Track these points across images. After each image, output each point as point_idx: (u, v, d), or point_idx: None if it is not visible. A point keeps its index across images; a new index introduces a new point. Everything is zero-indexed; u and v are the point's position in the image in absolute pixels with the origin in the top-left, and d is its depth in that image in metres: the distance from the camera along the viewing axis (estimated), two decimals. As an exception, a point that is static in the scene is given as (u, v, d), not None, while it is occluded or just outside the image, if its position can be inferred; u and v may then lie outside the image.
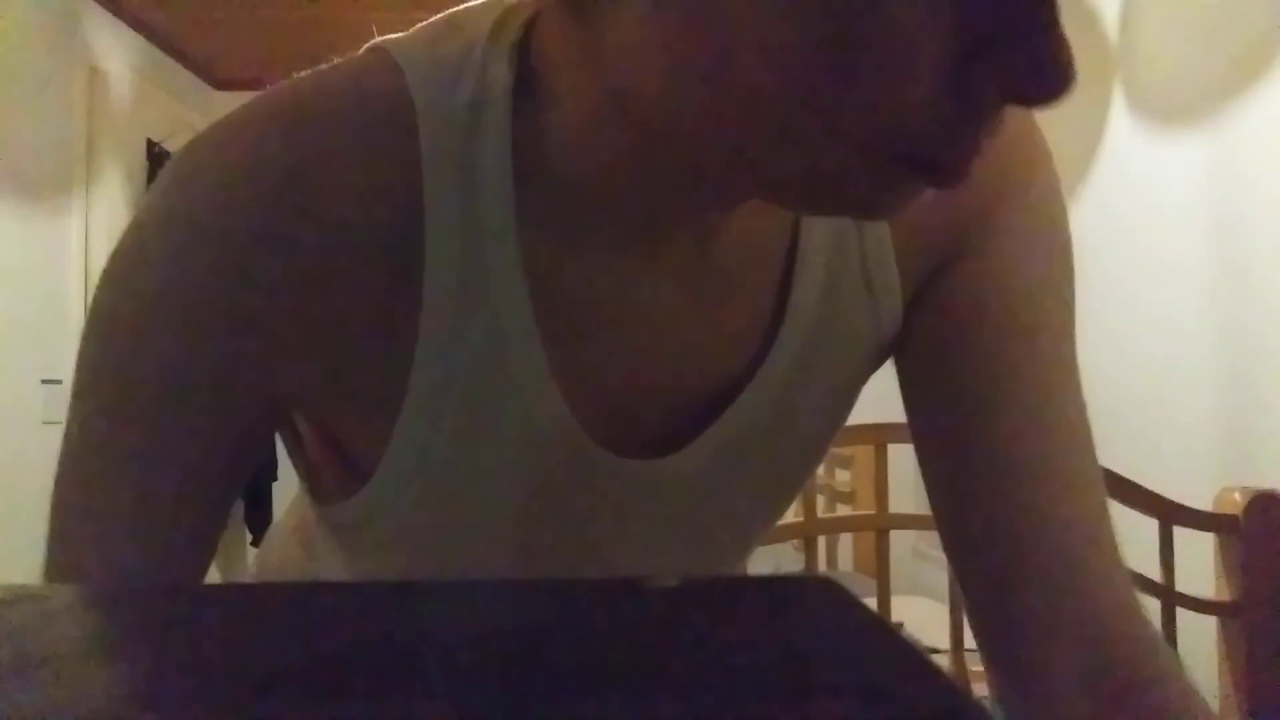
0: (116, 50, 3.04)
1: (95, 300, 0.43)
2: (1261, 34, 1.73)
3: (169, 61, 3.35)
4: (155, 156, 3.15)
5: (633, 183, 0.42)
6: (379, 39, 0.45)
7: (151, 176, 3.10)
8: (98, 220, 2.89)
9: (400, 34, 0.45)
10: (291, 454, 0.53)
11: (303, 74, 0.43)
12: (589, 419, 0.46)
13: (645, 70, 0.36)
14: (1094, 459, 0.49)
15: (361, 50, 0.45)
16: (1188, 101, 1.93)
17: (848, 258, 0.49)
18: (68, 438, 0.44)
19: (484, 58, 0.43)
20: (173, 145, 3.19)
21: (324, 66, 0.44)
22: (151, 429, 0.42)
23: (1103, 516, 0.49)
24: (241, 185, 0.41)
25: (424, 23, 0.45)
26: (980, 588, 0.50)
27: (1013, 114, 0.50)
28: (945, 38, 0.31)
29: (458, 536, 0.49)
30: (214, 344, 0.42)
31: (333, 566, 0.60)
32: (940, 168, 0.34)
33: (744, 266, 0.47)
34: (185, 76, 3.46)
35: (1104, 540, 0.48)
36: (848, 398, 0.53)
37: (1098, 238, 2.19)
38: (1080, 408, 0.49)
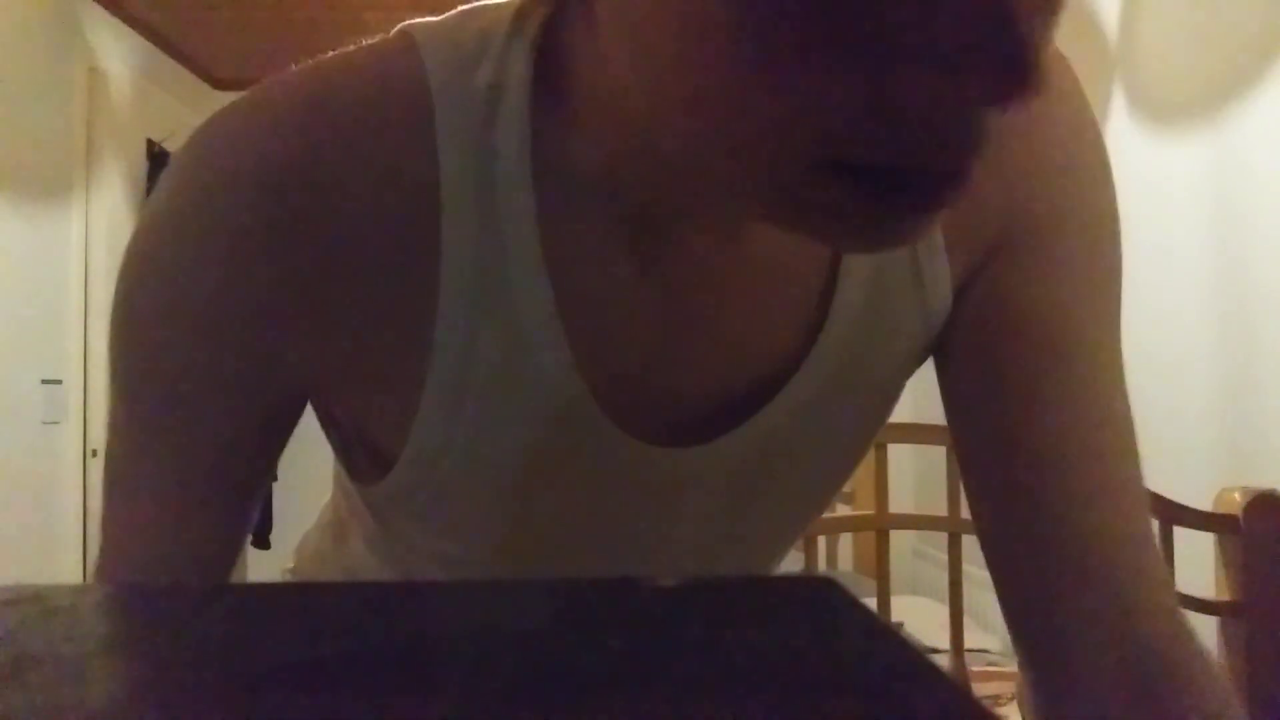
0: (116, 50, 3.04)
1: (116, 293, 0.44)
2: (1261, 34, 1.73)
3: (169, 61, 3.35)
4: (155, 156, 3.15)
5: (643, 181, 0.42)
6: (406, 23, 0.45)
7: (151, 176, 3.10)
8: (98, 220, 2.88)
9: (428, 18, 0.45)
10: (327, 433, 0.53)
11: (319, 58, 0.43)
12: (618, 407, 0.46)
13: (625, 70, 0.36)
14: (1137, 463, 0.49)
15: (390, 34, 0.45)
16: (1188, 101, 1.93)
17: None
18: (110, 426, 0.45)
19: (504, 45, 0.43)
20: (173, 145, 3.19)
21: (343, 50, 0.44)
22: (181, 421, 0.43)
23: (1144, 519, 0.48)
24: (255, 176, 0.40)
25: (451, 12, 0.45)
26: (1020, 589, 0.49)
27: (1065, 104, 0.50)
28: (873, 42, 0.30)
29: (489, 516, 0.49)
30: (235, 335, 0.42)
31: (363, 556, 0.61)
32: (922, 184, 0.32)
33: (785, 258, 0.47)
34: (185, 76, 3.46)
35: (1147, 543, 0.48)
36: (892, 392, 0.53)
37: (1098, 238, 2.19)
38: (1125, 407, 0.49)
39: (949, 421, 0.51)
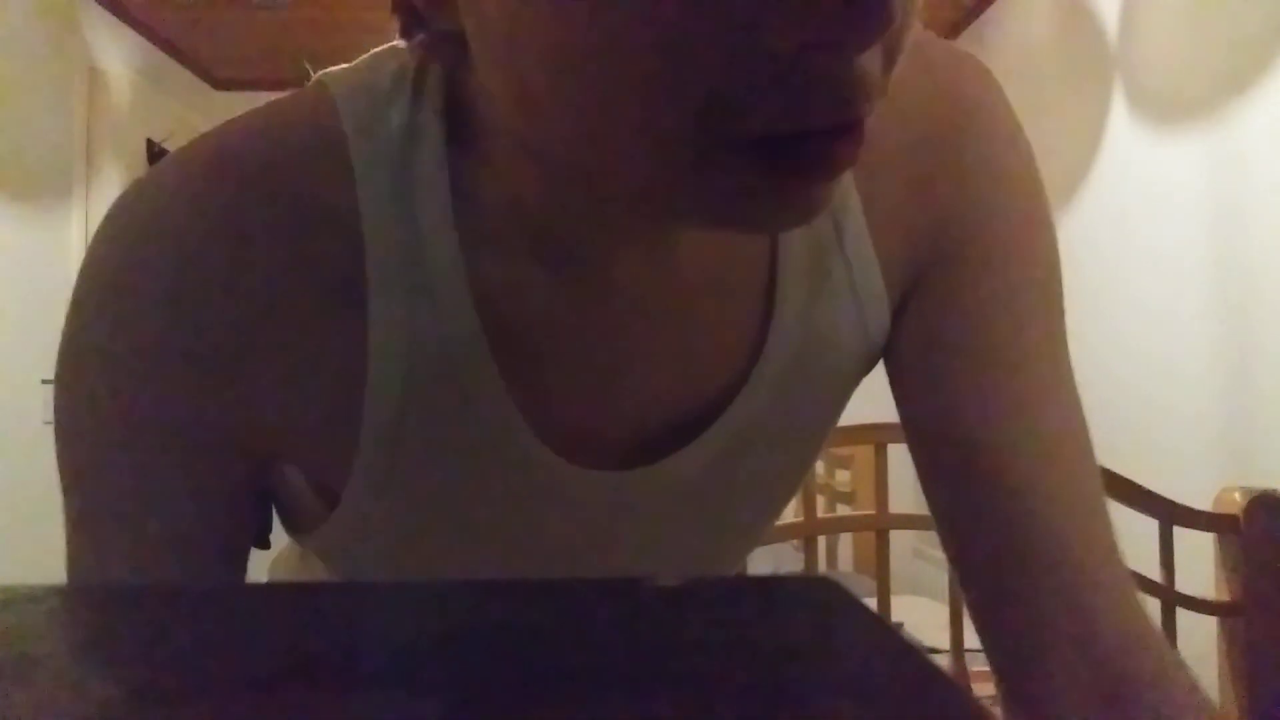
0: (116, 50, 3.04)
1: (58, 366, 0.43)
2: (1261, 34, 1.73)
3: (169, 61, 3.34)
4: (155, 156, 3.15)
5: (556, 209, 0.42)
6: (322, 72, 0.45)
7: (151, 176, 3.10)
8: (98, 220, 2.88)
9: (342, 65, 0.45)
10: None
11: (237, 117, 0.44)
12: (556, 434, 0.46)
13: (505, 98, 0.36)
14: (1089, 459, 0.49)
15: (307, 86, 0.45)
16: (1188, 101, 1.93)
17: (830, 266, 0.48)
18: (63, 491, 0.44)
19: (416, 86, 0.43)
20: (172, 145, 3.18)
21: (262, 107, 0.44)
22: (130, 482, 0.43)
23: (1101, 518, 0.48)
24: (178, 241, 0.41)
25: (367, 54, 0.46)
26: (979, 599, 0.50)
27: (988, 115, 0.51)
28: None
29: (434, 557, 0.49)
30: (173, 401, 0.42)
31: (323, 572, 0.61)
32: (818, 146, 0.32)
33: (718, 283, 0.47)
34: (185, 76, 3.46)
35: (1101, 542, 0.48)
36: (837, 405, 0.53)
37: (1098, 237, 2.19)
38: (1073, 407, 0.49)
39: (904, 431, 0.52)
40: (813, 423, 0.53)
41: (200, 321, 0.41)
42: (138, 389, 0.42)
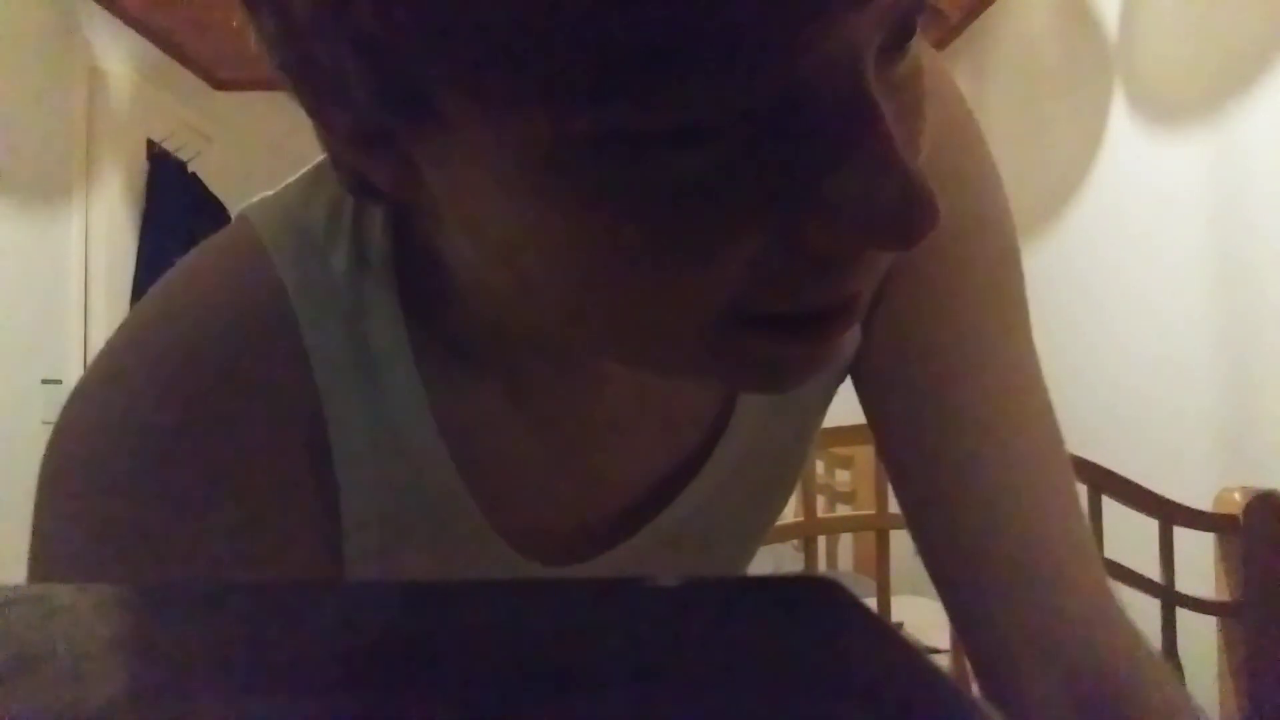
0: (116, 50, 3.04)
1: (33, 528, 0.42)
2: (1261, 34, 1.73)
3: (169, 61, 3.34)
4: (155, 156, 3.14)
5: (530, 351, 0.42)
6: (245, 207, 0.43)
7: (151, 176, 3.10)
8: (98, 220, 2.88)
9: (267, 196, 0.44)
10: None
11: (167, 283, 0.42)
12: (530, 542, 0.47)
13: (490, 272, 0.35)
14: (1061, 463, 0.49)
15: (230, 226, 0.44)
16: (1188, 101, 1.93)
17: None
18: None
19: (354, 220, 0.41)
20: (172, 145, 3.18)
21: (188, 265, 0.42)
22: None
23: (1074, 524, 0.48)
24: (135, 449, 0.39)
25: (292, 179, 0.44)
26: (957, 607, 0.50)
27: (938, 104, 0.50)
28: (750, 199, 0.28)
29: None
30: (149, 569, 0.41)
31: None
32: (815, 319, 0.32)
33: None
34: (185, 76, 3.46)
35: (1078, 551, 0.47)
36: (809, 431, 0.54)
37: (1098, 238, 2.19)
38: (1042, 409, 0.49)
39: (876, 447, 0.52)
40: (785, 453, 0.53)
41: (169, 507, 0.39)
42: (101, 548, 0.40)
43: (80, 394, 0.41)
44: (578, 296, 0.31)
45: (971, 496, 0.47)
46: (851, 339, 0.43)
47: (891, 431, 0.50)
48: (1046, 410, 0.49)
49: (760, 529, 0.57)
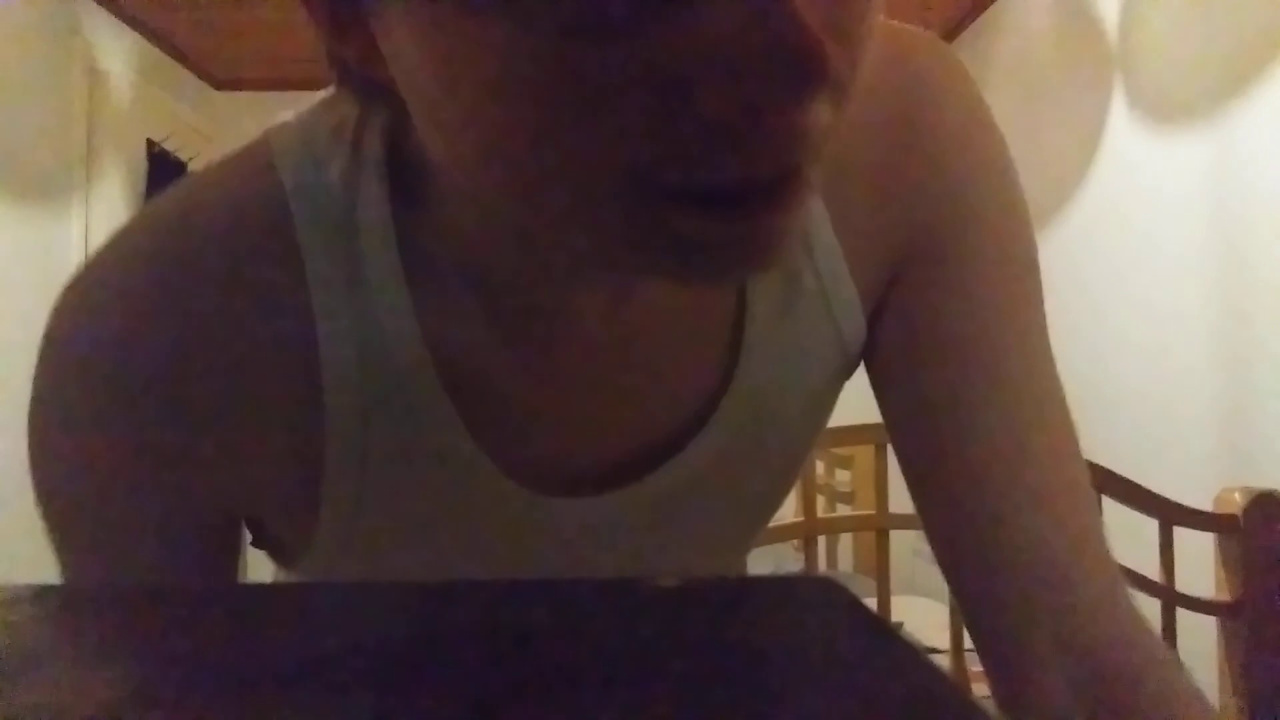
0: (116, 50, 3.04)
1: (29, 446, 0.44)
2: (1261, 34, 1.73)
3: (169, 61, 3.34)
4: (155, 156, 3.14)
5: (506, 261, 0.42)
6: (268, 128, 0.45)
7: (151, 177, 3.10)
8: (98, 220, 2.88)
9: (287, 117, 0.45)
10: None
11: (180, 186, 0.44)
12: (520, 469, 0.46)
13: (437, 149, 0.35)
14: (1071, 453, 0.48)
15: (251, 141, 0.45)
16: (1188, 101, 1.93)
17: (801, 279, 0.48)
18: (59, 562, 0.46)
19: (355, 137, 0.42)
20: (172, 145, 3.18)
21: (202, 172, 0.44)
22: (115, 562, 0.45)
23: (1086, 517, 0.48)
24: (133, 324, 0.41)
25: (310, 106, 0.45)
26: (967, 596, 0.49)
27: (952, 100, 0.49)
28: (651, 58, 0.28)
29: (410, 576, 0.49)
30: (143, 478, 0.43)
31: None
32: (739, 198, 0.31)
33: (684, 311, 0.46)
34: (185, 76, 3.46)
35: (1090, 543, 0.47)
36: (816, 418, 0.53)
37: (1098, 237, 2.19)
38: (1057, 402, 0.48)
39: (887, 431, 0.51)
40: (791, 439, 0.52)
41: (157, 402, 0.41)
42: (88, 466, 0.43)
43: (81, 289, 0.42)
44: (490, 160, 0.32)
45: (985, 487, 0.47)
46: (794, 248, 0.41)
47: (905, 422, 0.50)
48: (1062, 404, 0.49)
49: (760, 510, 0.56)
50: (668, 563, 0.53)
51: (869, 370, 0.51)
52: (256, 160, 0.43)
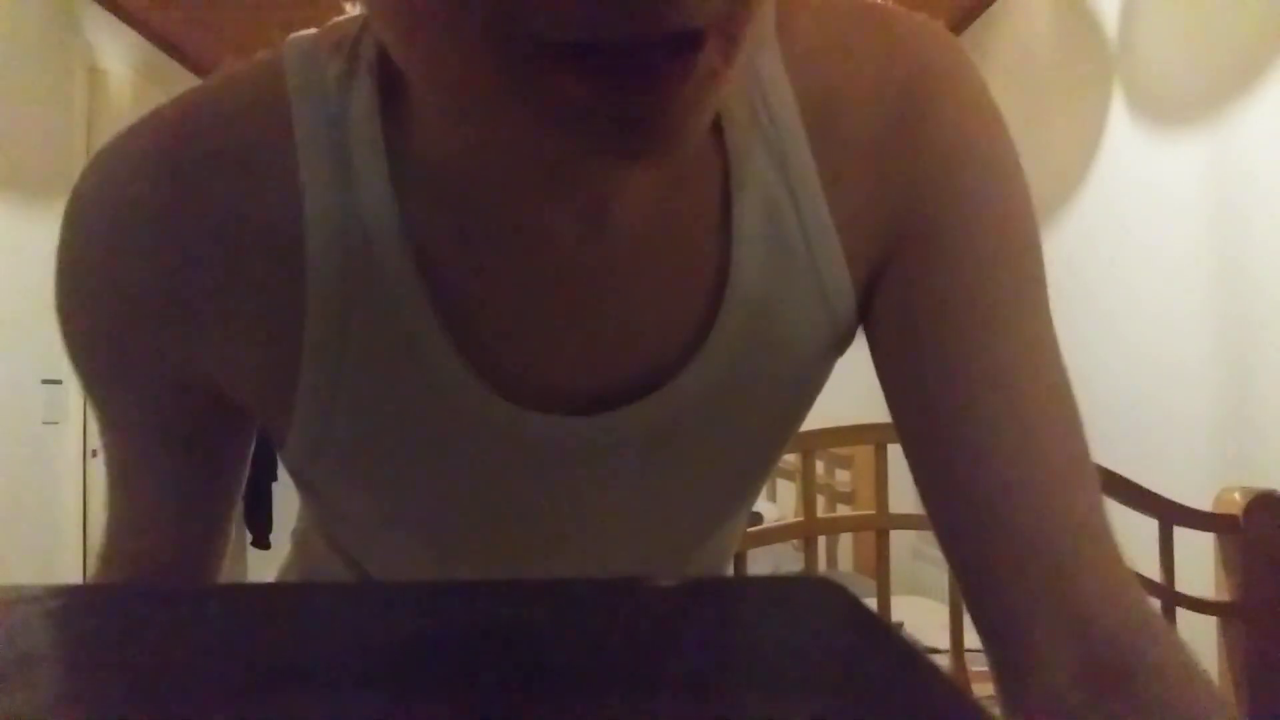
0: (116, 50, 3.04)
1: (55, 299, 0.47)
2: (1261, 34, 1.73)
3: (169, 61, 3.34)
4: (155, 156, 3.15)
5: (471, 159, 0.43)
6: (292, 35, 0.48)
7: (151, 176, 3.10)
8: (98, 220, 2.89)
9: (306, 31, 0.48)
10: None
11: (208, 79, 0.47)
12: (509, 388, 0.47)
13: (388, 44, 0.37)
14: (1077, 436, 0.48)
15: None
16: (1187, 101, 1.93)
17: (786, 233, 0.48)
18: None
19: (355, 41, 0.45)
20: (173, 145, 3.18)
21: (226, 68, 0.47)
22: (132, 416, 0.49)
23: (1089, 498, 0.47)
24: (125, 186, 0.44)
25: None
26: (969, 579, 0.49)
27: (955, 84, 0.49)
28: None
29: (384, 495, 0.50)
30: (138, 335, 0.46)
31: (319, 553, 0.64)
32: (633, 60, 0.31)
33: (666, 246, 0.47)
34: (185, 76, 3.46)
35: (1092, 524, 0.47)
36: (807, 385, 0.53)
37: (1097, 237, 2.19)
38: (1059, 383, 0.48)
39: (891, 416, 0.51)
40: (778, 394, 0.52)
41: (143, 261, 0.44)
42: (94, 321, 0.46)
43: (104, 152, 0.46)
44: (393, 31, 0.34)
45: (986, 467, 0.46)
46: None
47: (905, 399, 0.50)
48: (1065, 386, 0.48)
49: (742, 474, 0.56)
50: (647, 515, 0.54)
51: (871, 348, 0.51)
52: (270, 61, 0.46)
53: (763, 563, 2.30)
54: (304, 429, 0.47)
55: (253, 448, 0.53)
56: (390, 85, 0.44)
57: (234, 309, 0.44)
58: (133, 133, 0.45)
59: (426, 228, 0.44)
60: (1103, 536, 0.47)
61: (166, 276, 0.44)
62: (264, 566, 3.12)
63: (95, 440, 0.53)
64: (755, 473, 0.57)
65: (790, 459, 1.75)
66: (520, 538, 0.53)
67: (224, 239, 0.43)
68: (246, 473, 0.54)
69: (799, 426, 0.56)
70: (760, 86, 0.47)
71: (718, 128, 0.46)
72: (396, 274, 0.44)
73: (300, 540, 0.70)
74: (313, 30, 0.47)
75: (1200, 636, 1.24)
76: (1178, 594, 1.24)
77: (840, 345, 0.52)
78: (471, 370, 0.45)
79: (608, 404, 0.48)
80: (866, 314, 0.50)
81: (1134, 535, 1.27)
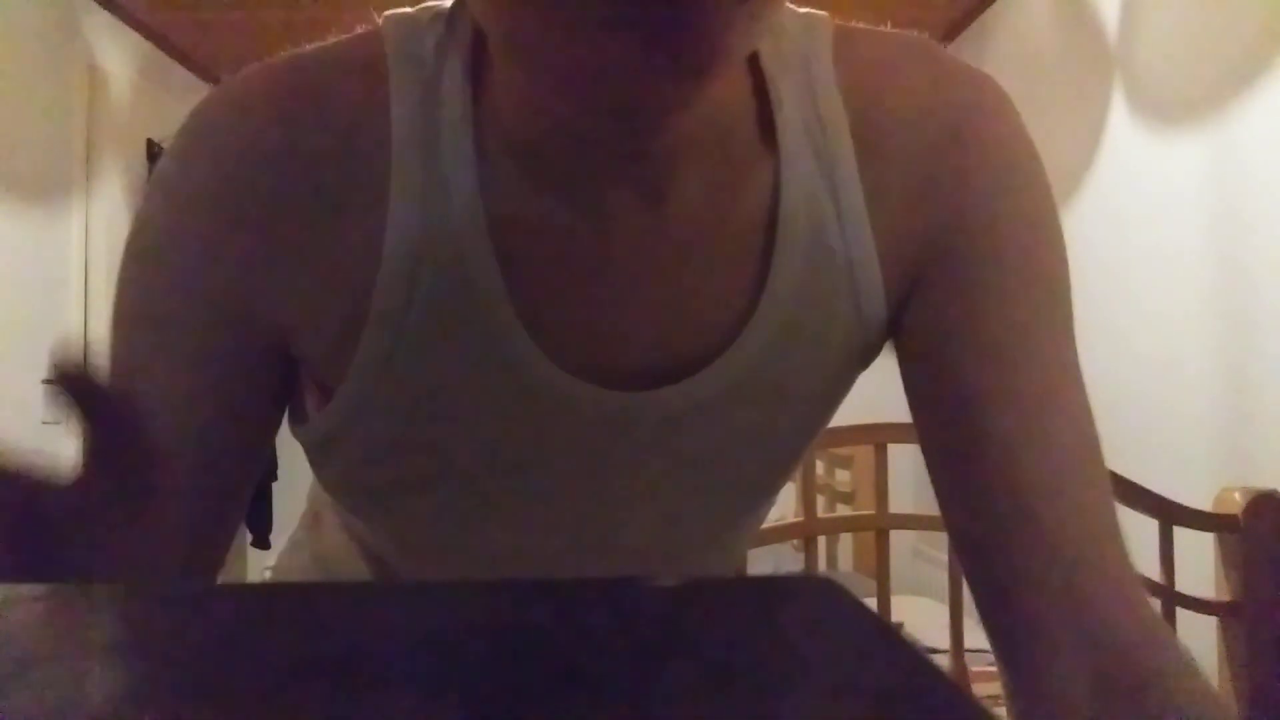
0: (116, 50, 3.04)
1: (134, 219, 0.50)
2: (1261, 34, 1.73)
3: (169, 61, 3.34)
4: (155, 156, 3.14)
5: (542, 123, 0.45)
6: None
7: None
8: (97, 220, 2.88)
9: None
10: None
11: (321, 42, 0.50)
12: (559, 354, 0.48)
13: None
14: (1096, 457, 0.49)
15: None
16: (1188, 101, 1.93)
17: (828, 239, 0.49)
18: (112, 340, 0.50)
19: (452, 14, 0.48)
20: (173, 145, 3.18)
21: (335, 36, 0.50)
22: (174, 328, 0.48)
23: (1106, 518, 0.49)
24: (243, 119, 0.47)
25: None
26: (983, 588, 0.50)
27: (1000, 118, 0.52)
28: None
29: (423, 462, 0.51)
30: (227, 249, 0.47)
31: (334, 536, 0.64)
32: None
33: (715, 235, 0.48)
34: (185, 76, 3.46)
35: (1106, 537, 0.48)
36: (831, 381, 0.54)
37: (1097, 237, 2.19)
38: (1082, 406, 0.50)
39: (914, 424, 0.53)
40: (808, 390, 0.53)
41: (248, 186, 0.46)
42: (182, 231, 0.48)
43: (219, 91, 0.49)
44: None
45: (1008, 486, 0.48)
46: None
47: (931, 412, 0.51)
48: (1087, 411, 0.50)
49: (780, 458, 0.57)
50: (685, 499, 0.55)
51: (900, 364, 0.53)
52: (370, 31, 0.49)
53: (763, 563, 2.30)
54: (359, 381, 0.48)
55: (269, 448, 0.53)
56: (480, 59, 0.47)
57: (320, 253, 0.47)
58: (250, 75, 0.48)
59: (501, 201, 0.46)
60: (1117, 548, 0.48)
61: (269, 205, 0.46)
62: (261, 568, 3.12)
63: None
64: (781, 467, 0.58)
65: (790, 459, 1.75)
66: (553, 512, 0.54)
67: (321, 188, 0.46)
68: (263, 467, 0.53)
69: (821, 430, 0.57)
70: (814, 99, 0.49)
71: (772, 133, 0.49)
72: (471, 242, 0.46)
73: (311, 524, 0.70)
74: (412, 7, 0.50)
75: (1200, 636, 1.24)
76: (1178, 594, 1.24)
77: (867, 356, 0.53)
78: (527, 331, 0.47)
79: (655, 381, 0.50)
80: (896, 327, 0.52)
81: (1134, 535, 1.27)
